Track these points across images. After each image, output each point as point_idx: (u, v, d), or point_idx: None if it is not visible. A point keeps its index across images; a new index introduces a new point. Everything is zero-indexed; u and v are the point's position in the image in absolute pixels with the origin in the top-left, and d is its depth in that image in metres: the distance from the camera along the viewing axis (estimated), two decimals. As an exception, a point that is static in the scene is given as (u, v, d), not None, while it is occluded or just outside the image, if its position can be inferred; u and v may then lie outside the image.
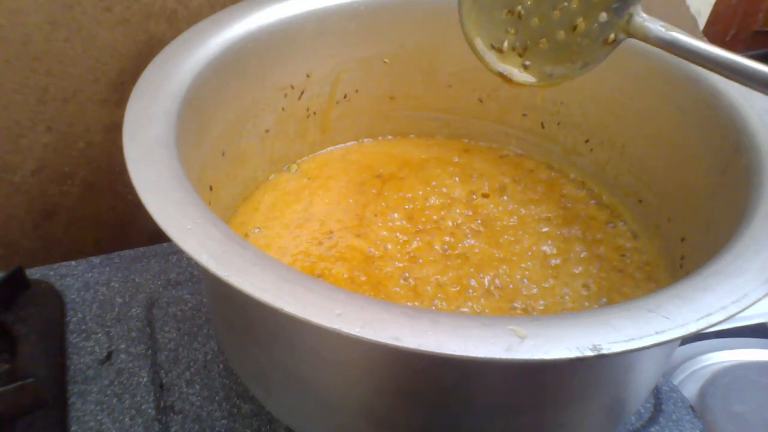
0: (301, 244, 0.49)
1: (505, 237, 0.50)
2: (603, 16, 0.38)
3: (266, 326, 0.35)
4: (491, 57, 0.42)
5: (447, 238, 0.50)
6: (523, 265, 0.48)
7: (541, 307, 0.45)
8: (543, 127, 0.56)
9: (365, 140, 0.60)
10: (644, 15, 0.37)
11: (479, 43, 0.42)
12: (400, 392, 0.33)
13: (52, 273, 0.55)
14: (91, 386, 0.46)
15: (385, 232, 0.50)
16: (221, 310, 0.41)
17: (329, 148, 0.58)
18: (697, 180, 0.44)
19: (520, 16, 0.41)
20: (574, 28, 0.39)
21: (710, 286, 0.29)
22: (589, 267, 0.48)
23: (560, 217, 0.52)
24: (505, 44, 0.41)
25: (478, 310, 0.44)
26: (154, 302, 0.53)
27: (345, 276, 0.46)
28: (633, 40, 0.37)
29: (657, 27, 0.36)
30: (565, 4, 0.39)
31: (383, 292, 0.45)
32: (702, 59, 0.35)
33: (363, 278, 0.46)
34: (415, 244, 0.49)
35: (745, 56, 0.35)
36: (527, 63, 0.41)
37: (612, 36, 0.38)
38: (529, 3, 0.40)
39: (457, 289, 0.46)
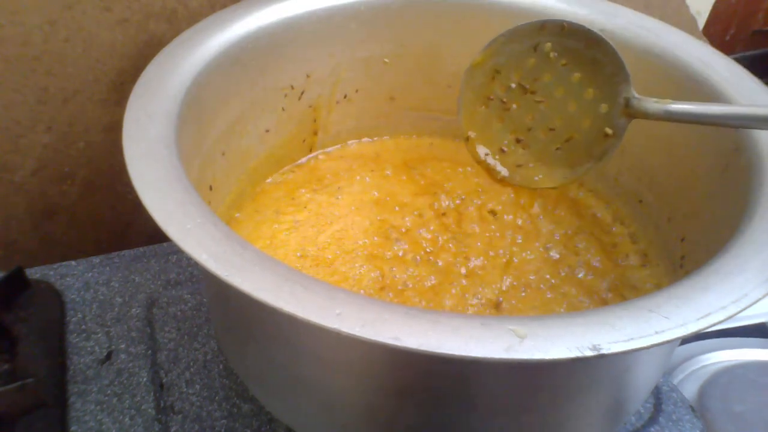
0: (298, 241, 0.49)
1: (503, 237, 0.50)
2: (603, 107, 0.39)
3: (266, 326, 0.35)
4: (491, 159, 0.44)
5: (446, 240, 0.50)
6: (520, 263, 0.48)
7: (537, 308, 0.45)
8: (543, 127, 0.56)
9: (365, 140, 0.60)
10: (636, 94, 0.38)
11: (476, 140, 0.44)
12: (400, 392, 0.33)
13: (52, 273, 0.54)
14: (91, 386, 0.46)
15: (382, 228, 0.50)
16: (221, 310, 0.41)
17: (329, 148, 0.58)
18: (697, 180, 0.44)
19: (528, 129, 0.42)
20: (578, 130, 0.41)
21: (710, 286, 0.29)
22: (589, 267, 0.48)
23: (560, 216, 0.52)
24: (505, 146, 0.43)
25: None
26: (154, 302, 0.53)
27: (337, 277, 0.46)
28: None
29: (652, 103, 0.38)
30: (566, 108, 0.41)
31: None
32: (701, 119, 0.36)
33: (358, 274, 0.46)
34: (412, 244, 0.49)
35: (744, 56, 0.35)
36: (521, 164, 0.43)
37: (609, 130, 0.40)
38: (529, 119, 0.42)
39: (455, 291, 0.46)
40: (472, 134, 0.43)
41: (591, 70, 0.39)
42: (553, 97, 0.41)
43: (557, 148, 0.41)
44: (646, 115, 0.38)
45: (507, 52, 0.41)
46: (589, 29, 0.39)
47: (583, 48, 0.39)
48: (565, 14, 0.50)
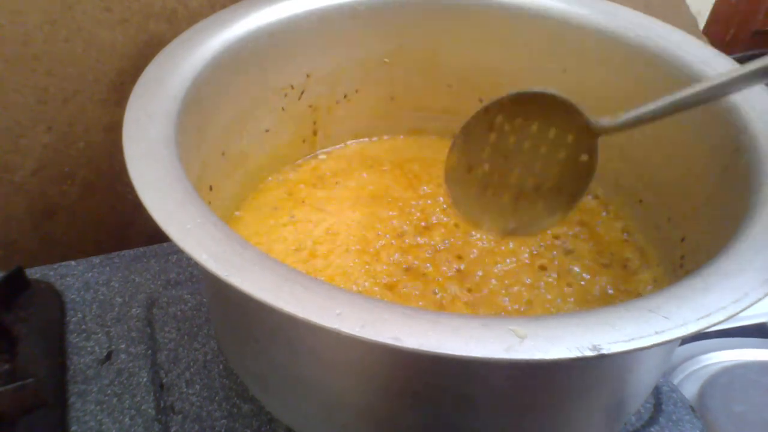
0: (294, 235, 0.49)
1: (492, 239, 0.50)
2: (569, 138, 0.42)
3: (266, 326, 0.35)
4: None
5: (444, 242, 0.50)
6: (519, 264, 0.48)
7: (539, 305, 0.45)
8: (543, 127, 0.56)
9: (365, 140, 0.60)
10: (591, 118, 0.41)
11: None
12: (400, 392, 0.33)
13: (52, 273, 0.54)
14: (91, 386, 0.46)
15: (379, 225, 0.50)
16: (221, 310, 0.41)
17: (329, 148, 0.58)
18: (697, 180, 0.44)
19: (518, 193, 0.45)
20: (557, 165, 0.43)
21: (710, 286, 0.29)
22: (588, 267, 0.48)
23: (560, 217, 0.52)
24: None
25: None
26: (154, 302, 0.53)
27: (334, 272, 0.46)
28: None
29: (607, 120, 0.40)
30: (538, 154, 0.44)
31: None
32: (651, 117, 0.38)
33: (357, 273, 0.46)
34: (412, 245, 0.49)
35: (744, 56, 0.35)
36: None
37: (585, 156, 0.42)
38: (513, 180, 0.45)
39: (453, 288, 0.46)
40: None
41: (545, 115, 0.42)
42: (523, 151, 0.44)
43: (549, 189, 0.44)
44: (607, 131, 0.40)
45: (469, 145, 0.45)
46: (525, 92, 0.42)
47: (532, 104, 0.42)
48: (565, 14, 0.50)
